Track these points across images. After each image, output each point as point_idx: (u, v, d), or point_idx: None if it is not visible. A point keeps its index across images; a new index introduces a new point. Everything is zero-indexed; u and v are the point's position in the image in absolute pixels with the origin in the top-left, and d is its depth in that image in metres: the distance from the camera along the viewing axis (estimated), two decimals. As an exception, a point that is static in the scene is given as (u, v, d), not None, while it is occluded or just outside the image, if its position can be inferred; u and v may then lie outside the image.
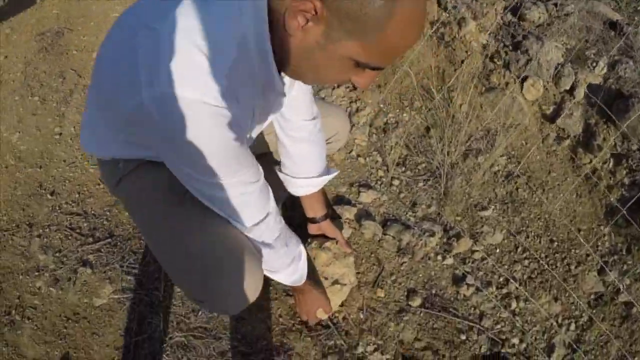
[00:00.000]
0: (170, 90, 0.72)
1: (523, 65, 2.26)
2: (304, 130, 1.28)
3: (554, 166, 2.05)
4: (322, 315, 1.45)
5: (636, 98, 2.09)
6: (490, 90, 2.22)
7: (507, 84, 2.24)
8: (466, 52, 2.32)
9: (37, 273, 1.66)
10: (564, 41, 2.40)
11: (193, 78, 0.73)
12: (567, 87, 2.24)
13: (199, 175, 0.88)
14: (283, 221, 1.16)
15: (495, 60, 2.30)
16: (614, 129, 2.12)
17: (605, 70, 2.30)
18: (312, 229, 1.52)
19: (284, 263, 1.18)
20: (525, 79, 2.24)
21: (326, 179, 1.41)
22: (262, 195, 1.01)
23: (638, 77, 2.27)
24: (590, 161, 2.09)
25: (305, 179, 1.37)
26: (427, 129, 2.09)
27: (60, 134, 2.23)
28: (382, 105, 2.18)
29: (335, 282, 1.47)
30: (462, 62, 2.30)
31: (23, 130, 2.29)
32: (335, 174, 1.44)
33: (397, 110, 2.17)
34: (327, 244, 1.49)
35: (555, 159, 2.08)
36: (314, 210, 1.48)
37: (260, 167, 1.00)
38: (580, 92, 2.22)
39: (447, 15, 2.43)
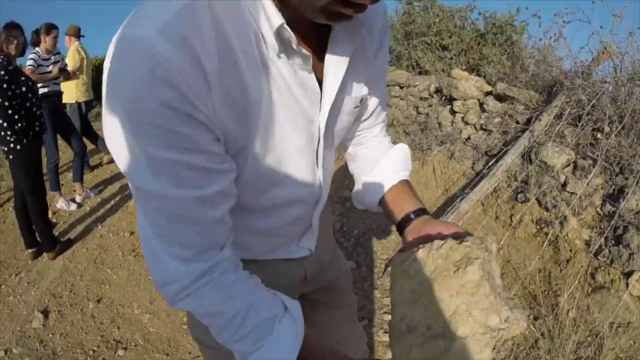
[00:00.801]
0: (126, 30, 0.56)
1: (626, 261, 2.47)
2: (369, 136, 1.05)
3: (667, 366, 2.21)
4: None
5: None
6: (597, 290, 2.46)
7: (612, 281, 2.46)
8: (570, 250, 2.61)
9: None
10: (668, 224, 2.54)
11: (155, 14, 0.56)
12: (676, 276, 2.38)
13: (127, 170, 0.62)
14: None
15: (599, 257, 2.55)
16: None
17: None
18: (409, 236, 0.88)
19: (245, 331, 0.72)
20: (630, 274, 2.44)
21: (406, 153, 1.02)
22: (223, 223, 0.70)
23: None
24: None
25: (383, 167, 0.99)
26: (536, 339, 2.41)
27: (188, 323, 2.57)
28: (495, 315, 2.55)
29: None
30: (567, 261, 2.58)
31: (154, 312, 2.50)
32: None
33: (509, 320, 2.52)
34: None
35: (669, 357, 2.24)
36: (403, 208, 0.91)
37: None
38: (692, 278, 2.36)
39: (549, 214, 2.75)
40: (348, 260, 3.07)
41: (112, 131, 0.58)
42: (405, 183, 0.97)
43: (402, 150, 1.02)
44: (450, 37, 3.74)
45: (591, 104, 2.89)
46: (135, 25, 0.55)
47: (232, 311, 0.70)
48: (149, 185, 0.60)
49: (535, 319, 2.48)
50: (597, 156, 2.84)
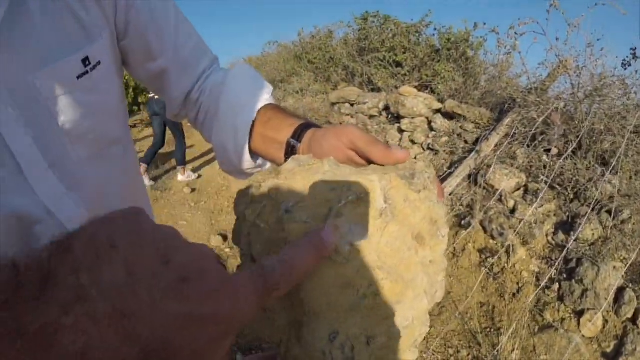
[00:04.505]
0: None
1: (579, 298, 2.16)
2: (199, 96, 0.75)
3: (622, 423, 1.89)
4: None
5: None
6: (544, 329, 2.15)
7: (562, 320, 2.15)
8: (517, 283, 2.30)
9: None
10: (623, 256, 2.25)
11: None
12: (630, 315, 2.08)
13: None
14: None
15: (549, 292, 2.24)
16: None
17: (678, 281, 2.11)
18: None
19: None
20: (582, 312, 2.13)
21: (251, 70, 0.73)
22: None
23: None
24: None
25: (230, 101, 0.69)
26: (475, 386, 2.07)
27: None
28: (424, 355, 2.23)
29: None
30: (513, 295, 2.27)
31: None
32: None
33: (444, 361, 2.19)
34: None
35: (625, 410, 1.91)
36: (278, 139, 0.63)
37: None
38: (648, 319, 2.06)
39: (495, 243, 2.45)
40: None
41: None
42: (271, 108, 0.66)
43: (245, 68, 0.71)
44: (404, 53, 3.50)
45: (541, 120, 2.63)
46: None
47: None
48: None
49: (474, 361, 2.15)
50: (551, 179, 2.57)
